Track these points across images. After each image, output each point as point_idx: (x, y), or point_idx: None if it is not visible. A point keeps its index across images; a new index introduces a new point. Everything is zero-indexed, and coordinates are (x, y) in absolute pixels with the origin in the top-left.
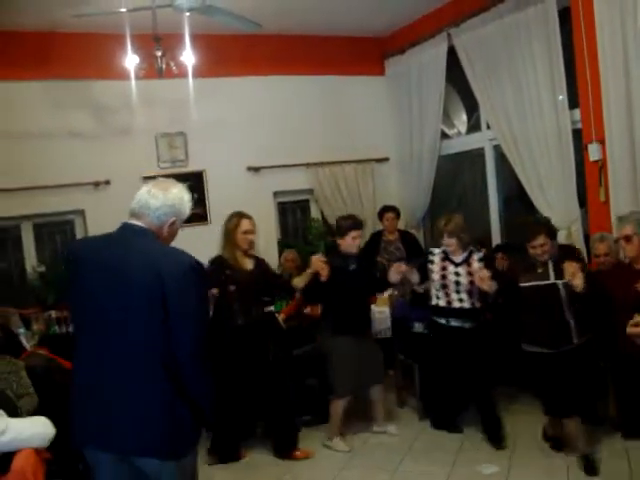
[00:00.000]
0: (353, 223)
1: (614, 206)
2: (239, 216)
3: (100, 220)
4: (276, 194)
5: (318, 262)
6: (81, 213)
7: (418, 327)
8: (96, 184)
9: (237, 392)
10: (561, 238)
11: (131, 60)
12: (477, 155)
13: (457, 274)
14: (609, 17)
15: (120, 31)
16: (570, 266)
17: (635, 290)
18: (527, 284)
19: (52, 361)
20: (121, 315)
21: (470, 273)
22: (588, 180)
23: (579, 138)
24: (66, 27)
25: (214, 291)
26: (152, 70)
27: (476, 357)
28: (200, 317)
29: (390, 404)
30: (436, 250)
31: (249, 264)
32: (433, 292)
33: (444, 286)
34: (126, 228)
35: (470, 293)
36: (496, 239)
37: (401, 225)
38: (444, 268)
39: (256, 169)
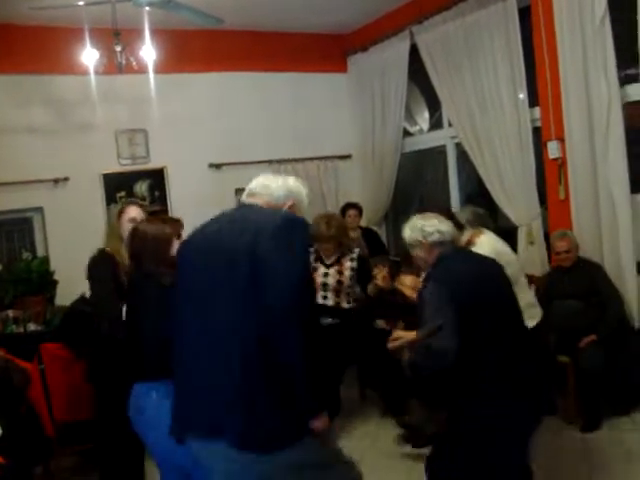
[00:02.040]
0: None
1: (574, 204)
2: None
3: (59, 218)
4: (238, 191)
5: None
6: (40, 210)
7: (380, 323)
8: (55, 181)
9: None
10: (522, 235)
11: (90, 55)
12: (439, 152)
13: (325, 275)
14: (568, 16)
15: (79, 25)
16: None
17: None
18: None
19: (9, 362)
20: (226, 290)
21: (340, 273)
22: (548, 178)
23: (539, 136)
24: (22, 20)
25: None
26: (112, 65)
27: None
28: (300, 283)
29: None
30: (311, 251)
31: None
32: None
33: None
34: (244, 206)
35: (337, 292)
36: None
37: (363, 222)
38: (315, 269)
39: (218, 166)
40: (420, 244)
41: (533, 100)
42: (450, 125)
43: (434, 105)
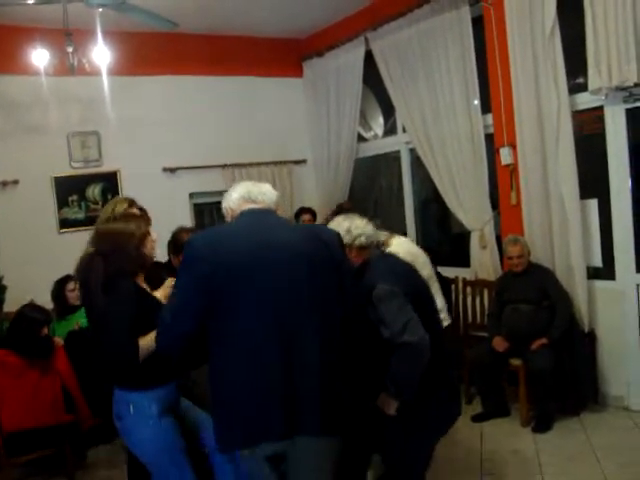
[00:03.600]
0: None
1: (525, 209)
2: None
3: (8, 221)
4: (192, 195)
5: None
6: None
7: None
8: (4, 184)
9: None
10: (474, 240)
11: (40, 55)
12: (393, 158)
13: None
14: (519, 26)
15: (30, 24)
16: None
17: None
18: None
19: None
20: (314, 296)
21: None
22: (500, 183)
23: (492, 142)
24: None
25: None
26: (64, 67)
27: None
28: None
29: None
30: None
31: None
32: None
33: None
34: (258, 212)
35: None
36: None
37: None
38: None
39: (172, 170)
40: (348, 247)
41: (486, 107)
42: (404, 131)
43: (389, 111)
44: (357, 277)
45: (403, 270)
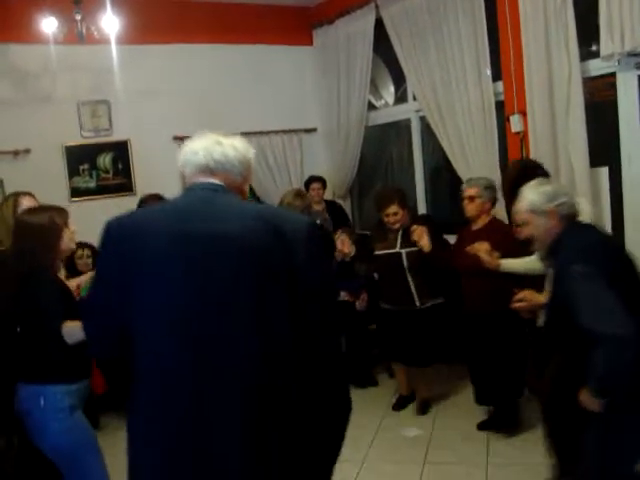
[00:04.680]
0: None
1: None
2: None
3: (19, 190)
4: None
5: None
6: None
7: (343, 295)
8: (15, 153)
9: None
10: None
11: (49, 23)
12: (404, 126)
13: None
14: None
15: None
16: (417, 229)
17: (471, 253)
18: (379, 252)
19: None
20: (247, 309)
21: None
22: (510, 151)
23: (502, 110)
24: None
25: None
26: (73, 35)
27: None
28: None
29: None
30: None
31: None
32: None
33: None
34: (205, 188)
35: None
36: (422, 209)
37: (328, 195)
38: None
39: (182, 139)
40: (545, 213)
41: (496, 74)
42: (415, 99)
43: (399, 79)
44: (550, 256)
45: (603, 246)
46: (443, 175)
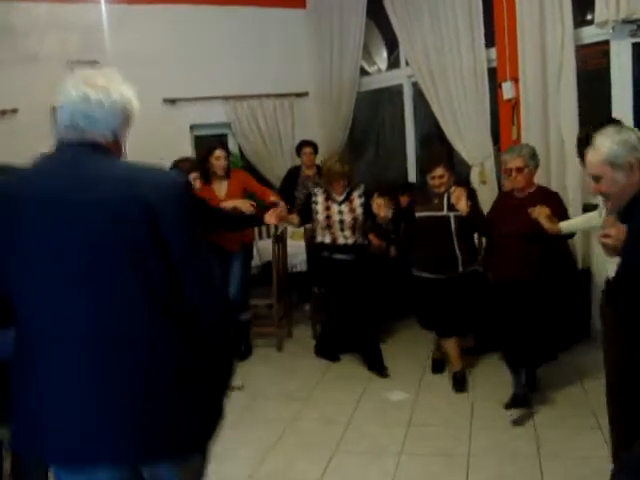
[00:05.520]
0: (194, 165)
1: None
2: None
3: (7, 150)
4: (193, 127)
5: None
6: None
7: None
8: (3, 112)
9: None
10: (474, 174)
11: None
12: (396, 92)
13: (340, 212)
14: None
15: None
16: (455, 190)
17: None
18: (422, 214)
19: None
20: (101, 266)
21: (352, 210)
22: (502, 118)
23: (494, 77)
24: None
25: None
26: None
27: (359, 288)
28: (205, 249)
29: None
30: (319, 190)
31: None
32: (318, 231)
33: (329, 226)
34: (72, 145)
35: (353, 229)
36: (412, 177)
37: (319, 160)
38: (328, 208)
39: (172, 101)
40: (625, 166)
41: (489, 41)
42: (407, 64)
43: (392, 44)
44: (627, 218)
45: None
46: (434, 142)
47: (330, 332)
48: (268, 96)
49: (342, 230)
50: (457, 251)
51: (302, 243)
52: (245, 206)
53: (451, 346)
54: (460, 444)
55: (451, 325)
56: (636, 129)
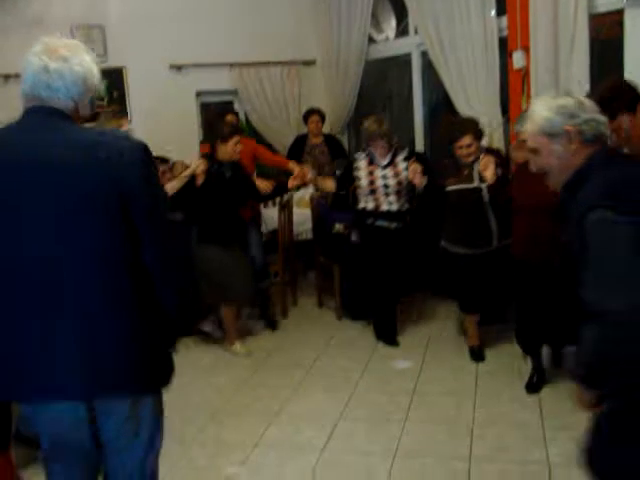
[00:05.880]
0: (236, 129)
1: None
2: None
3: (9, 115)
4: (199, 94)
5: (201, 165)
6: None
7: (338, 227)
8: (6, 77)
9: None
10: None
11: None
12: (404, 61)
13: (384, 177)
14: None
15: None
16: (485, 158)
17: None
18: (453, 187)
19: None
20: (62, 222)
21: (397, 174)
22: (511, 88)
23: (505, 46)
24: None
25: None
26: None
27: (399, 256)
28: (168, 214)
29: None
30: (361, 155)
31: None
32: (361, 197)
33: (372, 191)
34: (34, 112)
35: (398, 195)
36: (420, 146)
37: (326, 129)
38: (371, 173)
39: (179, 67)
40: (564, 136)
41: (501, 9)
42: (416, 33)
43: (401, 12)
44: (568, 196)
45: None
46: (443, 112)
47: (356, 295)
48: (275, 63)
49: (387, 195)
50: (492, 224)
51: (308, 211)
52: (267, 187)
53: (474, 321)
54: (464, 413)
55: (480, 302)
56: (577, 94)
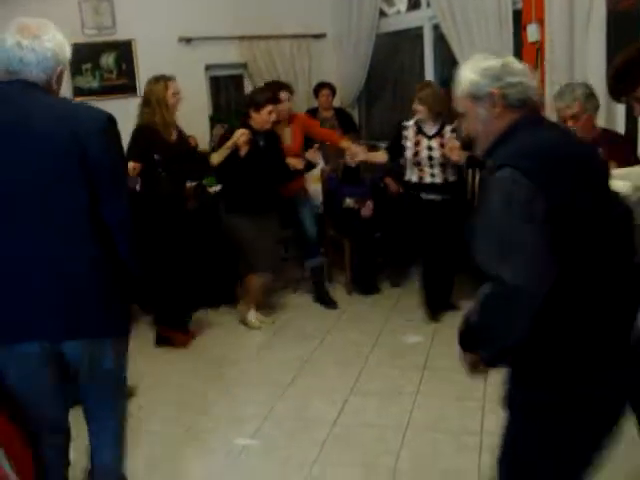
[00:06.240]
0: (271, 97)
1: (548, 89)
2: (165, 79)
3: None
4: (208, 67)
5: (243, 136)
6: None
7: (349, 202)
8: None
9: (173, 265)
10: None
11: None
12: (416, 35)
13: (430, 148)
14: None
15: None
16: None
17: None
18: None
19: None
20: (32, 183)
21: (443, 145)
22: (525, 62)
23: (519, 18)
24: None
25: (133, 165)
26: None
27: (445, 229)
28: (125, 176)
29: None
30: (409, 123)
31: (174, 134)
32: (407, 167)
33: (417, 162)
34: (12, 83)
35: (443, 167)
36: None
37: (336, 103)
38: (417, 143)
39: (188, 40)
40: (488, 99)
41: None
42: (429, 5)
43: None
44: (489, 157)
45: (561, 155)
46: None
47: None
48: (285, 37)
49: (431, 167)
50: None
51: (318, 187)
52: (297, 164)
53: None
54: (475, 388)
55: None
56: (510, 56)
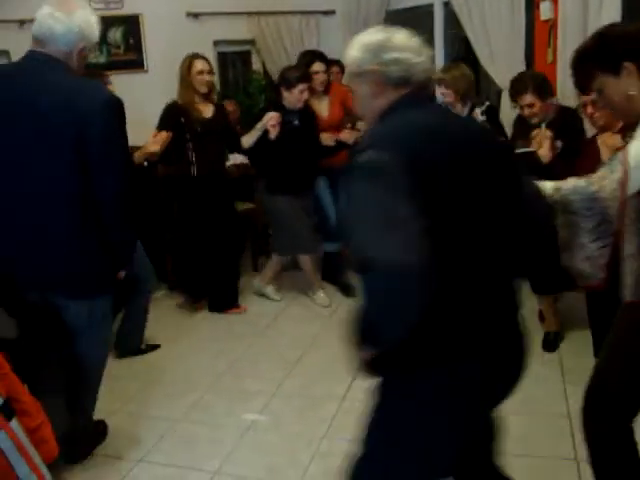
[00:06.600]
0: (303, 75)
1: (560, 67)
2: (190, 57)
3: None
4: (216, 43)
5: (272, 120)
6: (5, 54)
7: None
8: (21, 22)
9: (197, 245)
10: (505, 98)
11: None
12: (426, 12)
13: None
14: None
15: None
16: (538, 133)
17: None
18: (517, 151)
19: None
20: (27, 152)
21: None
22: (537, 40)
23: None
24: None
25: (164, 134)
26: None
27: None
28: (124, 157)
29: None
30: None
31: (209, 111)
32: None
33: None
34: (33, 58)
35: None
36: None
37: (345, 81)
38: None
39: (195, 15)
40: (369, 75)
41: None
42: None
43: None
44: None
45: (437, 138)
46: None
47: None
48: (293, 13)
49: None
50: None
51: None
52: (328, 139)
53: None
54: None
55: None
56: (400, 30)
